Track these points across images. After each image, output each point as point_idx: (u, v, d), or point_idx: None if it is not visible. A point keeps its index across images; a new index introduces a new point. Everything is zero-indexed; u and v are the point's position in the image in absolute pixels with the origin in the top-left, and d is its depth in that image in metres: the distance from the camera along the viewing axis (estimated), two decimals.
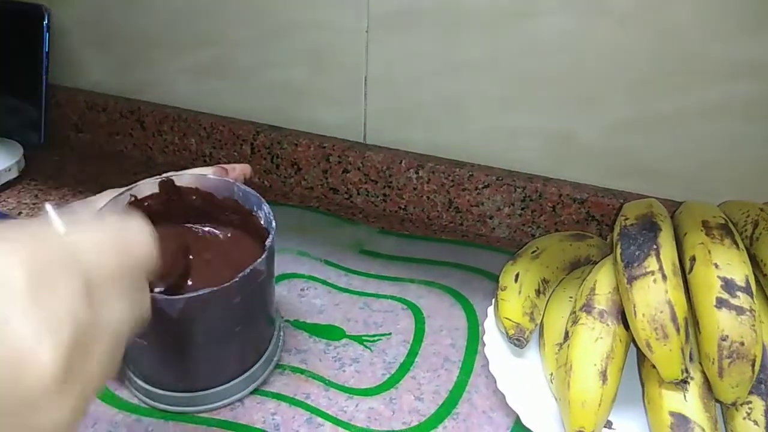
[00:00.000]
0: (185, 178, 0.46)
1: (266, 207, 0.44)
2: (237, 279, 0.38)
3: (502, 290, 0.48)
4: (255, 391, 0.45)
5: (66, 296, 0.22)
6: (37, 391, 0.20)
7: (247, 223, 0.46)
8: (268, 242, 0.41)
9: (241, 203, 0.46)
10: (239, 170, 0.47)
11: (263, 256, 0.40)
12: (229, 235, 0.48)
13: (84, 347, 0.22)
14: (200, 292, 0.38)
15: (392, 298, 0.55)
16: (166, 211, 0.46)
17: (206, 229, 0.49)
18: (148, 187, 0.45)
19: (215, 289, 0.38)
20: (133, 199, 0.44)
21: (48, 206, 0.25)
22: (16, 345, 0.20)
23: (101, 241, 0.25)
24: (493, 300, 0.50)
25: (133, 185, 0.44)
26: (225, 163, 0.72)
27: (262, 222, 0.44)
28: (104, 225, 0.27)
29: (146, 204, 0.45)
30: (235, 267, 0.39)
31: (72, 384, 0.21)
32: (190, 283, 0.45)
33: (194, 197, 0.46)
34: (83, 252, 0.23)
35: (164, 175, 0.45)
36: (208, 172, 0.46)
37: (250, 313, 0.43)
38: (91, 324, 0.22)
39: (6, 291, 0.20)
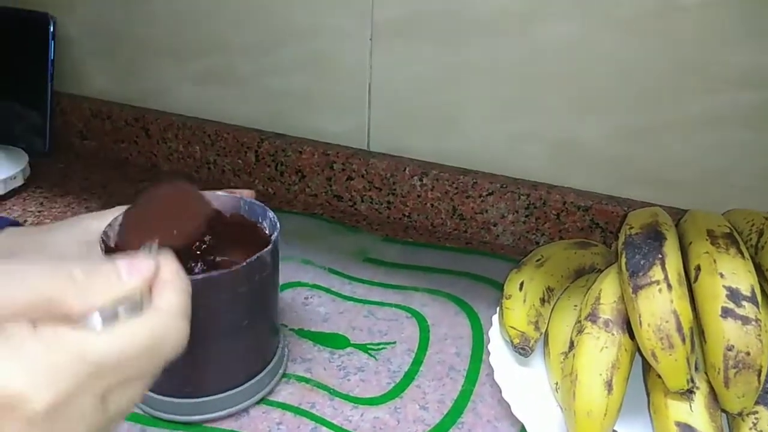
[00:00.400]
0: None
1: (270, 214, 0.45)
2: (245, 264, 0.39)
3: (506, 299, 0.48)
4: (260, 401, 0.45)
5: (83, 414, 0.22)
6: None
7: (253, 236, 0.46)
8: (273, 236, 0.42)
9: (247, 217, 0.47)
10: (246, 195, 0.48)
11: (269, 248, 0.41)
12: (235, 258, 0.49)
13: None
14: (209, 275, 0.39)
15: (397, 306, 0.55)
16: None
17: (217, 259, 0.49)
18: None
19: (224, 271, 0.39)
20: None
21: (95, 316, 0.24)
22: None
23: (132, 351, 0.24)
24: (498, 308, 0.50)
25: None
26: (229, 170, 0.72)
27: (267, 231, 0.45)
28: (141, 329, 0.25)
29: None
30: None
31: None
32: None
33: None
34: (112, 363, 0.23)
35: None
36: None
37: (256, 307, 0.43)
38: (99, 428, 0.23)
39: (19, 414, 0.20)
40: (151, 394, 0.43)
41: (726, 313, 0.38)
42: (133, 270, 0.25)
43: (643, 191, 0.58)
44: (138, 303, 0.25)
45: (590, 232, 0.60)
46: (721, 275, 0.40)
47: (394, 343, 0.51)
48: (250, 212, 0.46)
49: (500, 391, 0.44)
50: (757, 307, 0.38)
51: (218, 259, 0.48)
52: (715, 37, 0.51)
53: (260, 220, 0.46)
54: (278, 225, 0.44)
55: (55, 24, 0.73)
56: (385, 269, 0.60)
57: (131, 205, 0.42)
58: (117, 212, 0.43)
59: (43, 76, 0.74)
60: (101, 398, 0.23)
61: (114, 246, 0.42)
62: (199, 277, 0.38)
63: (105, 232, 0.42)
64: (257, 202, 0.46)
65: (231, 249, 0.48)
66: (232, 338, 0.42)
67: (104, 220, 0.43)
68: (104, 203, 0.68)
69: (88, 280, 0.24)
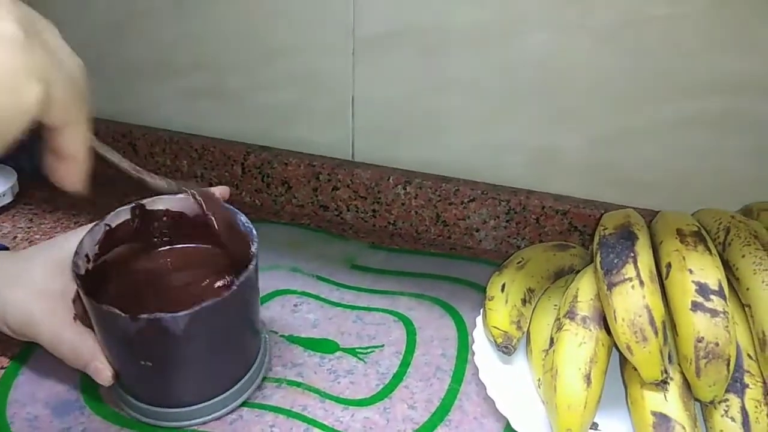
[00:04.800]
0: (156, 201, 0.48)
1: (242, 217, 0.46)
2: (236, 287, 0.40)
3: (489, 300, 0.50)
4: (253, 405, 0.46)
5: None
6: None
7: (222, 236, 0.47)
8: (253, 249, 0.43)
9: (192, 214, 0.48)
10: (218, 192, 0.48)
11: (253, 263, 0.42)
12: (204, 248, 0.50)
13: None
14: (202, 306, 0.39)
15: (384, 311, 0.56)
16: (142, 236, 0.48)
17: (180, 246, 0.50)
18: (121, 214, 0.47)
19: (216, 300, 0.39)
20: (108, 228, 0.46)
21: None
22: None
23: None
24: (481, 310, 0.51)
25: (106, 215, 0.46)
26: (216, 183, 0.74)
27: (241, 230, 0.46)
28: None
29: (121, 231, 0.47)
30: (215, 277, 0.42)
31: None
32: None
33: (165, 218, 0.48)
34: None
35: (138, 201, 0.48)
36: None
37: (245, 320, 0.45)
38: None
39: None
40: (140, 404, 0.44)
41: (695, 306, 0.40)
42: None
43: (618, 194, 0.61)
44: None
45: (569, 234, 0.62)
46: (690, 271, 0.42)
47: (382, 346, 0.52)
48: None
49: (485, 389, 0.46)
50: (725, 301, 0.40)
51: (181, 246, 0.50)
52: (683, 46, 0.53)
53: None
54: (254, 231, 0.44)
55: None
56: (372, 275, 0.61)
57: (95, 223, 0.44)
58: (82, 233, 0.45)
59: None
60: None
61: (84, 273, 0.43)
62: (196, 309, 0.38)
63: (74, 263, 0.42)
64: (225, 205, 0.46)
65: (199, 243, 0.49)
66: (224, 353, 0.44)
67: (76, 239, 0.44)
68: (93, 218, 0.69)
69: None
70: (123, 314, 0.38)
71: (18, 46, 0.27)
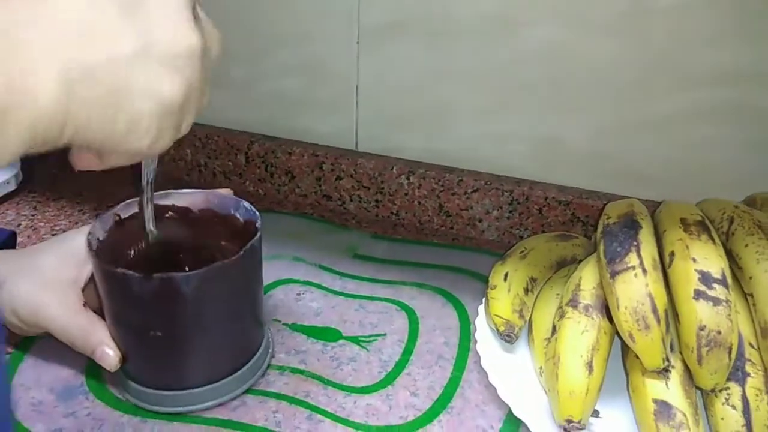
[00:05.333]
0: (165, 197, 0.48)
1: (244, 203, 0.47)
2: (242, 252, 0.41)
3: (492, 289, 0.50)
4: (256, 392, 0.46)
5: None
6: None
7: (228, 227, 0.48)
8: (257, 223, 0.45)
9: (218, 210, 0.49)
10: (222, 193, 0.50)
11: (258, 235, 0.43)
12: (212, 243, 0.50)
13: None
14: (212, 266, 0.40)
15: (386, 300, 0.57)
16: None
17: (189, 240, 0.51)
18: (131, 207, 0.47)
19: (225, 261, 0.41)
20: (117, 218, 0.46)
21: None
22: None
23: None
24: (484, 299, 0.51)
25: (116, 205, 0.47)
26: (219, 172, 0.74)
27: (241, 220, 0.47)
28: None
29: (128, 223, 0.47)
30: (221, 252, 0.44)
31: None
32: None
33: (170, 212, 0.49)
34: None
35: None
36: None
37: (243, 298, 0.45)
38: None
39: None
40: (143, 389, 0.45)
41: (698, 295, 0.40)
42: None
43: (621, 186, 0.61)
44: None
45: (571, 225, 0.62)
46: (694, 260, 0.42)
47: (385, 334, 0.53)
48: (220, 205, 0.49)
49: (487, 377, 0.46)
50: (727, 289, 0.41)
51: (202, 250, 0.50)
52: (685, 38, 0.53)
53: (232, 211, 0.48)
54: (257, 212, 0.46)
55: None
56: (375, 265, 0.61)
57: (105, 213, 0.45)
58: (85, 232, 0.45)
59: None
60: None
61: (96, 249, 0.43)
62: (205, 269, 0.40)
63: (88, 240, 0.43)
64: (226, 195, 0.48)
65: (208, 242, 0.50)
66: (217, 329, 0.44)
67: (77, 238, 0.45)
68: (97, 206, 0.70)
69: None
70: (136, 274, 0.39)
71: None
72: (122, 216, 0.47)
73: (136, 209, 0.47)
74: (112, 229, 0.46)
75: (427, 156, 0.67)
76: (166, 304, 0.41)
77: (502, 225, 0.65)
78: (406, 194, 0.67)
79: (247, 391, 0.46)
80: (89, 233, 0.44)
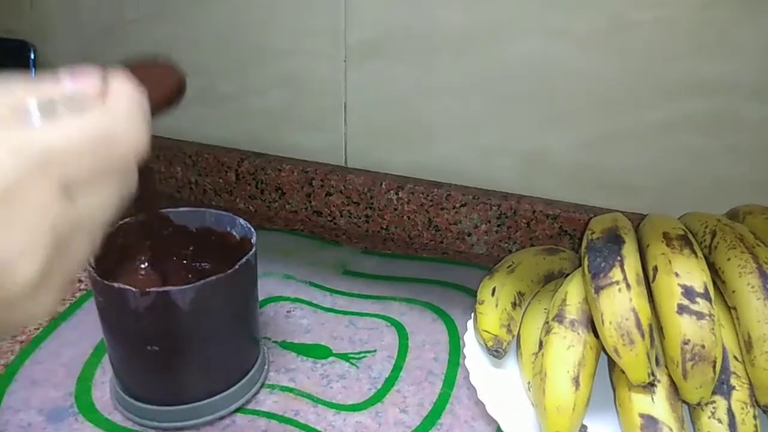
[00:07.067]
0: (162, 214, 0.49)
1: (240, 220, 0.48)
2: (237, 267, 0.42)
3: (479, 304, 0.51)
4: (246, 411, 0.46)
5: (42, 203, 0.21)
6: (14, 296, 0.21)
7: (225, 244, 0.49)
8: (252, 239, 0.46)
9: (215, 227, 0.49)
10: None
11: (253, 250, 0.44)
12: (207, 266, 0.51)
13: (63, 246, 0.22)
14: (208, 280, 0.41)
15: (376, 316, 0.57)
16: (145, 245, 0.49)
17: (184, 262, 0.51)
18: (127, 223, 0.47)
19: (221, 276, 0.41)
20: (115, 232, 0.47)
21: (31, 102, 0.23)
22: None
23: (80, 142, 0.23)
24: (472, 314, 0.52)
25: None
26: (210, 190, 0.74)
27: (237, 237, 0.48)
28: (87, 122, 0.23)
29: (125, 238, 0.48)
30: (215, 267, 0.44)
31: (50, 281, 0.22)
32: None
33: (169, 229, 0.49)
34: (59, 152, 0.22)
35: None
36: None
37: (239, 312, 0.46)
38: (70, 222, 0.22)
39: None
40: (138, 404, 0.45)
41: (681, 309, 0.41)
42: (74, 76, 0.25)
43: (607, 198, 0.61)
44: (80, 104, 0.24)
45: (559, 239, 0.63)
46: (676, 274, 0.42)
47: (375, 351, 0.53)
48: (217, 223, 0.49)
49: (476, 393, 0.46)
50: (711, 303, 0.41)
51: (200, 266, 0.50)
52: (668, 50, 0.54)
53: (229, 228, 0.49)
54: (252, 229, 0.47)
55: (35, 51, 0.75)
56: (364, 281, 0.62)
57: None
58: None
59: None
60: (63, 189, 0.22)
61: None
62: (202, 282, 0.41)
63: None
64: (223, 213, 0.49)
65: (205, 259, 0.50)
66: (214, 344, 0.44)
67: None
68: None
69: (22, 84, 0.23)
70: (133, 289, 0.40)
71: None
72: (119, 230, 0.47)
73: (133, 223, 0.48)
74: (108, 242, 0.46)
75: (416, 171, 0.67)
76: (163, 319, 0.42)
77: (490, 239, 0.65)
78: (395, 209, 0.67)
79: (236, 411, 0.46)
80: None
